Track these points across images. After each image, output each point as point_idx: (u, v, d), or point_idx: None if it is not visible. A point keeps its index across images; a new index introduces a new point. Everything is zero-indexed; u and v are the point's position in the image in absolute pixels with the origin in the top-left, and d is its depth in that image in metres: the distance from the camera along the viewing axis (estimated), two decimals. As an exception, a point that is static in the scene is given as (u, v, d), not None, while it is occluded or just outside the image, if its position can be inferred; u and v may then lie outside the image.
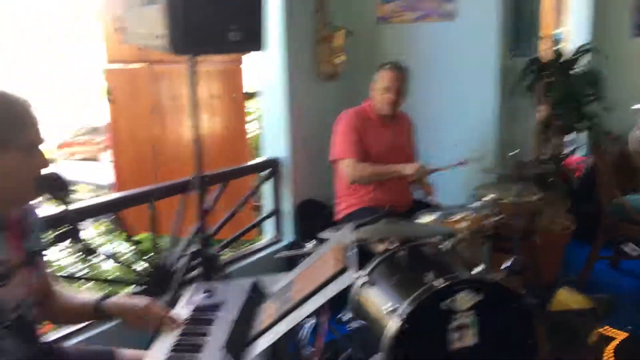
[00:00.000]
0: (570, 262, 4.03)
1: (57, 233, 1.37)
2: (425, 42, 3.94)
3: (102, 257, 5.28)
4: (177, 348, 1.56)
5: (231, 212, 3.43)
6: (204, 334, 1.62)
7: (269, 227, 3.85)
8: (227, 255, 3.78)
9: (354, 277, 1.38)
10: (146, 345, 2.24)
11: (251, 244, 4.09)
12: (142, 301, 1.73)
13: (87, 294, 1.82)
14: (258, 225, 3.89)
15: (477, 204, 3.11)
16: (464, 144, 3.86)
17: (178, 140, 3.99)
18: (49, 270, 1.80)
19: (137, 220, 3.30)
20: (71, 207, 1.46)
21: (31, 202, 1.57)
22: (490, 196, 3.23)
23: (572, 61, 3.84)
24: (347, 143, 3.25)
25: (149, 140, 4.07)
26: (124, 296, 1.77)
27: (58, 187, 1.46)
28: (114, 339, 2.05)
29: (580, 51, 3.92)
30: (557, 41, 4.08)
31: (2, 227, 1.50)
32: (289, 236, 3.75)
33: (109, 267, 5.45)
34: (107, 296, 1.74)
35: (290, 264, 3.37)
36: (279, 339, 1.36)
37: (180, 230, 3.09)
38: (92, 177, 15.21)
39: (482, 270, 2.29)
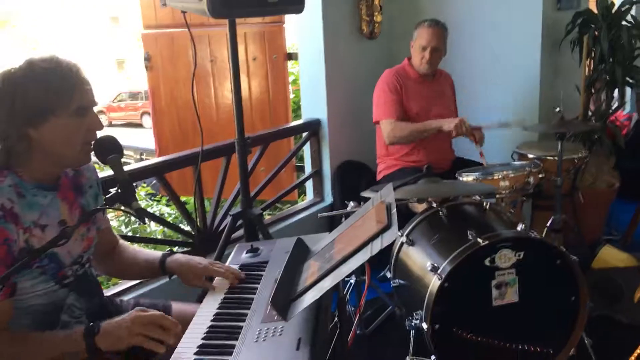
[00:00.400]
0: (615, 220, 3.97)
1: (111, 195, 1.42)
2: (465, -3, 3.84)
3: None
4: (226, 303, 1.63)
5: (272, 174, 3.49)
6: (251, 291, 1.68)
7: (309, 188, 3.89)
8: (269, 216, 3.86)
9: (394, 237, 1.39)
10: (196, 300, 2.35)
11: (292, 206, 4.16)
12: (203, 260, 1.80)
13: (151, 251, 1.89)
14: (299, 186, 3.93)
15: (518, 162, 3.08)
16: (505, 101, 3.80)
17: (218, 104, 4.03)
18: (110, 225, 1.87)
19: (180, 183, 3.39)
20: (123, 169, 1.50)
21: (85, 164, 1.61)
22: (532, 154, 3.20)
23: (620, 13, 3.68)
24: (386, 104, 3.24)
25: (189, 104, 4.12)
26: (185, 255, 1.83)
27: (114, 150, 1.50)
28: (167, 293, 2.15)
29: (628, 2, 3.75)
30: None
31: (55, 187, 1.55)
32: (329, 197, 3.79)
33: (153, 228, 5.63)
34: (170, 253, 1.82)
35: (331, 223, 3.43)
36: (323, 295, 1.40)
37: (223, 193, 3.16)
38: (135, 142, 15.56)
39: (523, 228, 2.28)
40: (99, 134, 1.54)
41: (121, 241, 1.89)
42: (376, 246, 1.38)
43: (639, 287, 2.75)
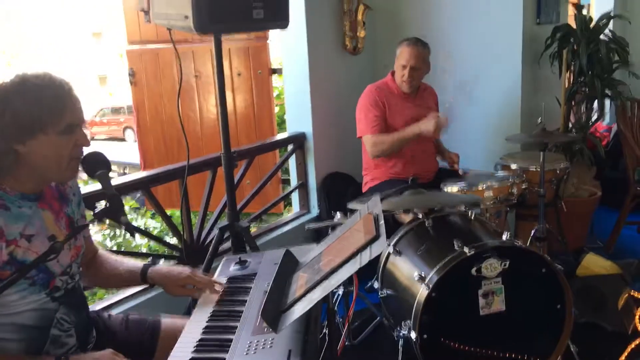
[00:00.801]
0: (597, 228, 4.03)
1: (100, 210, 1.42)
2: (448, 10, 3.90)
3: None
4: (216, 316, 1.63)
5: (258, 186, 3.50)
6: (240, 303, 1.68)
7: (295, 200, 3.91)
8: (255, 228, 3.86)
9: (382, 248, 1.40)
10: (183, 313, 2.35)
11: (278, 218, 4.16)
12: (184, 270, 1.80)
13: (133, 260, 1.88)
14: (285, 198, 3.95)
15: (502, 173, 3.13)
16: (488, 112, 3.85)
17: (203, 119, 4.04)
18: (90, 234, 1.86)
19: (165, 197, 3.39)
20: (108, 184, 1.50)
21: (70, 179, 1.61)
22: (515, 165, 3.25)
23: (598, 28, 3.77)
24: (367, 120, 3.26)
25: (173, 119, 4.14)
26: (167, 265, 1.83)
27: (102, 165, 1.50)
28: (156, 306, 2.14)
29: (605, 18, 3.85)
30: (581, 8, 4.00)
31: (38, 197, 1.54)
32: (315, 208, 3.80)
33: (139, 242, 5.59)
34: (152, 263, 1.82)
35: (318, 235, 3.44)
36: (313, 307, 1.41)
37: (209, 206, 3.16)
38: (118, 156, 15.49)
39: (508, 238, 2.31)
40: (85, 150, 1.55)
41: (101, 250, 1.89)
42: (365, 257, 1.39)
43: (623, 294, 2.80)
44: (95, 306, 2.50)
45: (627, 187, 3.84)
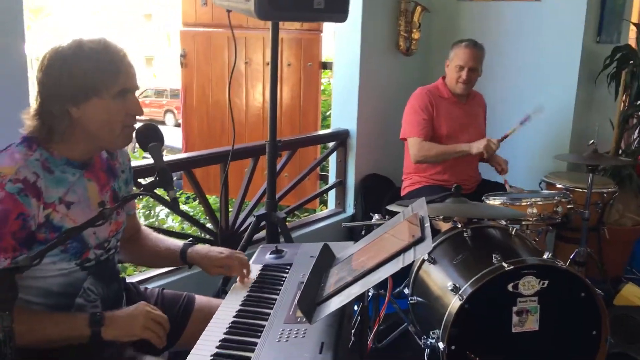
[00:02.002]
0: (637, 259, 3.91)
1: (150, 182, 1.42)
2: (506, 21, 3.84)
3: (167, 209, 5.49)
4: (249, 301, 1.62)
5: (297, 179, 3.49)
6: (274, 291, 1.67)
7: (331, 198, 3.89)
8: (288, 222, 3.85)
9: (427, 250, 1.38)
10: (213, 295, 2.36)
11: (310, 214, 4.15)
12: (224, 250, 1.80)
13: (172, 239, 1.89)
14: (322, 195, 3.93)
15: (547, 191, 3.05)
16: (537, 128, 3.77)
17: (249, 106, 4.05)
18: (135, 211, 1.88)
19: (202, 182, 3.40)
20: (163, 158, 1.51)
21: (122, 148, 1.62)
22: (560, 184, 3.17)
23: (660, 51, 3.66)
24: (415, 122, 3.22)
25: (219, 104, 4.16)
26: (206, 245, 1.85)
27: (155, 138, 1.51)
28: (190, 286, 2.15)
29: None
30: (641, 29, 3.88)
31: (84, 166, 1.55)
32: (350, 208, 3.78)
33: (170, 224, 5.65)
34: (192, 243, 1.82)
35: (351, 234, 3.42)
36: (348, 303, 1.39)
37: (248, 193, 3.17)
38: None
39: (549, 257, 2.25)
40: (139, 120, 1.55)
41: (143, 227, 1.90)
42: (408, 258, 1.37)
43: (661, 329, 2.71)
44: (132, 278, 2.53)
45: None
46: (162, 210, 5.84)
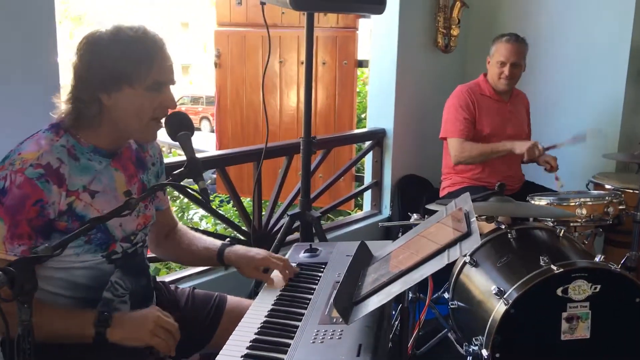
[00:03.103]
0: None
1: (179, 172, 1.35)
2: (550, 15, 3.70)
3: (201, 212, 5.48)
4: (282, 300, 1.54)
5: (332, 179, 3.41)
6: (308, 291, 1.59)
7: (366, 200, 3.80)
8: (322, 224, 3.78)
9: (475, 245, 1.27)
10: (247, 295, 2.30)
11: (345, 217, 4.06)
12: (261, 252, 1.74)
13: (210, 239, 1.84)
14: (358, 195, 3.84)
15: (596, 191, 2.90)
16: (583, 128, 3.60)
17: (283, 107, 4.00)
18: (170, 206, 1.83)
19: (235, 182, 3.36)
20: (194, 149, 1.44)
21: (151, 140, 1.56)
22: (609, 184, 3.01)
23: None
24: (456, 122, 3.11)
25: (253, 105, 4.12)
26: (244, 246, 1.79)
27: (186, 127, 1.44)
28: (221, 287, 2.10)
29: None
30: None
31: (112, 155, 1.50)
32: (387, 209, 3.68)
33: (204, 226, 5.64)
34: (230, 244, 1.77)
35: (387, 236, 3.32)
36: (387, 303, 1.30)
37: (281, 194, 3.10)
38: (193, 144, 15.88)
39: (602, 260, 2.11)
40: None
41: (180, 224, 1.85)
42: (454, 254, 1.27)
43: None
44: (163, 278, 2.49)
45: None
46: (195, 213, 5.84)
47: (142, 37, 1.40)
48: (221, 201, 6.27)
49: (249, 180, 3.61)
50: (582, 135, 3.01)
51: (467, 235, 1.30)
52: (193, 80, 26.77)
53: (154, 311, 1.42)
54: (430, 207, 2.41)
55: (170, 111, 1.48)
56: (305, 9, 2.21)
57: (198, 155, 1.47)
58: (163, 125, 1.48)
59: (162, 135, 1.52)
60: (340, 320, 1.33)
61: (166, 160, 1.95)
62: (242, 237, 2.98)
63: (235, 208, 4.20)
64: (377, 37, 3.55)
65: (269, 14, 2.40)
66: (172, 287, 1.82)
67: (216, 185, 4.58)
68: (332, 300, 1.42)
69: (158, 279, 1.85)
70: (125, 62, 1.37)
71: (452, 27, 3.69)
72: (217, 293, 1.82)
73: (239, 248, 1.76)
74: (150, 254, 1.84)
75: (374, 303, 1.28)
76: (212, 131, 17.07)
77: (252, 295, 2.48)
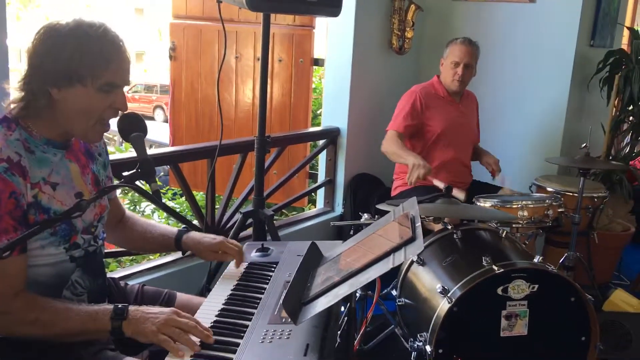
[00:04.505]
0: (625, 265, 3.89)
1: (131, 173, 1.36)
2: (500, 22, 3.82)
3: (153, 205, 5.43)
4: (233, 300, 1.57)
5: (286, 176, 3.43)
6: (259, 290, 1.62)
7: (319, 197, 3.84)
8: (275, 220, 3.80)
9: (419, 251, 1.33)
10: (196, 293, 2.31)
11: (298, 212, 4.10)
12: (217, 237, 1.80)
13: (165, 225, 1.87)
14: (310, 193, 3.88)
15: (538, 194, 3.03)
16: (528, 130, 3.76)
17: (238, 102, 3.99)
18: (116, 195, 1.84)
19: (189, 177, 3.35)
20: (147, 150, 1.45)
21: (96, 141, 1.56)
22: (551, 187, 3.15)
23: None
24: (398, 116, 3.20)
25: (208, 99, 4.10)
26: (200, 232, 1.84)
27: (138, 128, 1.45)
28: (171, 283, 2.11)
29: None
30: (637, 34, 3.87)
31: (65, 146, 1.49)
32: (339, 207, 3.73)
33: (158, 219, 5.58)
34: (186, 230, 1.81)
35: (339, 234, 3.37)
36: (335, 303, 1.34)
37: (235, 190, 3.11)
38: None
39: (540, 261, 2.22)
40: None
41: (129, 212, 1.86)
42: (399, 258, 1.32)
43: (649, 336, 2.69)
44: (112, 274, 2.47)
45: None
46: (147, 206, 5.77)
47: (101, 36, 1.38)
48: (174, 194, 6.21)
49: (203, 174, 3.61)
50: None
51: (411, 240, 1.35)
52: (147, 68, 26.22)
53: (168, 310, 1.39)
54: (381, 207, 2.48)
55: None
56: (261, 10, 2.22)
57: (152, 149, 1.48)
58: (109, 127, 1.47)
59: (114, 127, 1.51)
60: (289, 320, 1.37)
61: (120, 156, 1.95)
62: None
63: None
64: (333, 37, 3.59)
65: (226, 9, 2.40)
66: (122, 283, 1.83)
67: (169, 178, 4.53)
68: (281, 300, 1.46)
69: (108, 275, 1.85)
70: (81, 60, 1.35)
71: (406, 29, 3.76)
72: (167, 290, 1.83)
73: (196, 234, 1.81)
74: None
75: (322, 304, 1.32)
76: (166, 121, 16.80)
77: (204, 291, 2.50)
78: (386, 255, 1.36)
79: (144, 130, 1.47)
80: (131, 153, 2.64)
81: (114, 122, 1.49)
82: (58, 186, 1.43)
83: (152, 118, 21.69)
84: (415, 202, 1.64)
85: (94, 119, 1.43)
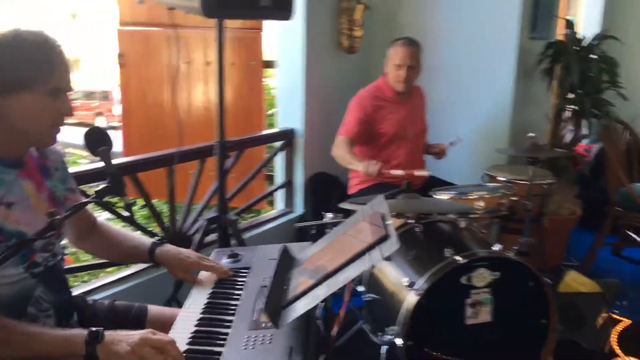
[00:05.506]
0: (573, 248, 4.07)
1: (102, 189, 1.35)
2: (445, 17, 3.92)
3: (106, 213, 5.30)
4: (210, 308, 1.57)
5: (246, 180, 3.43)
6: (234, 297, 1.63)
7: (279, 198, 3.85)
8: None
9: (394, 248, 1.37)
10: (163, 304, 2.29)
11: (258, 215, 4.09)
12: (192, 254, 1.77)
13: (139, 236, 1.85)
14: (269, 195, 3.88)
15: (491, 184, 3.13)
16: (476, 122, 3.87)
17: (190, 107, 3.94)
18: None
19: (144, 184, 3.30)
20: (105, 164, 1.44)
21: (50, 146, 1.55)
22: (502, 177, 3.26)
23: (591, 47, 3.82)
24: (349, 122, 3.25)
25: (160, 106, 4.03)
26: (175, 247, 1.81)
27: (104, 142, 1.44)
28: (136, 296, 2.08)
29: (599, 37, 3.90)
30: (571, 26, 4.04)
31: (18, 165, 1.47)
32: (300, 207, 3.75)
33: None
34: (160, 243, 1.78)
35: (301, 235, 3.39)
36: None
37: (195, 196, 3.09)
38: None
39: (500, 249, 2.30)
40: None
41: (101, 220, 1.83)
42: (375, 256, 1.36)
43: (601, 313, 2.82)
44: (77, 290, 2.42)
45: (604, 207, 3.88)
46: (100, 215, 5.62)
47: (42, 42, 1.39)
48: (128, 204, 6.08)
49: (157, 183, 3.55)
50: (454, 141, 3.27)
51: (385, 238, 1.39)
52: (85, 75, 25.48)
53: (143, 331, 1.35)
54: (345, 206, 2.51)
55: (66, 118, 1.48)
56: (216, 16, 2.22)
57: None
58: (59, 133, 1.47)
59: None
60: (269, 324, 1.39)
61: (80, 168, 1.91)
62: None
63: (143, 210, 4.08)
64: (284, 39, 3.60)
65: (172, 14, 2.39)
66: (90, 300, 1.80)
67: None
68: (262, 305, 1.47)
69: (76, 292, 1.82)
70: (24, 67, 1.36)
71: (355, 28, 3.81)
72: (138, 303, 1.81)
73: (170, 248, 1.78)
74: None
75: (301, 307, 1.35)
76: (109, 128, 16.37)
77: (171, 301, 2.48)
78: (361, 254, 1.40)
79: (109, 143, 1.46)
80: (88, 166, 2.57)
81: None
82: (13, 206, 1.41)
83: (92, 125, 21.05)
84: (383, 200, 1.68)
85: (46, 125, 1.43)
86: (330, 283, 1.36)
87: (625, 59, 4.14)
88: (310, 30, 3.54)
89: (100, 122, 20.67)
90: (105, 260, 2.42)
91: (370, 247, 1.39)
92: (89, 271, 3.19)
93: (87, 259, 4.05)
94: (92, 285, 2.59)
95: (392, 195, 2.60)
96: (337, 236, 1.67)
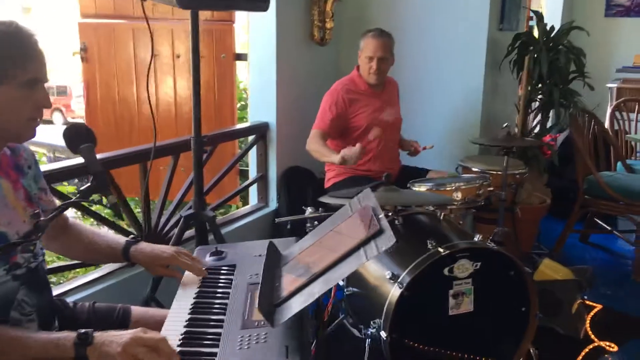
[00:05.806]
0: (543, 236, 4.14)
1: (87, 187, 1.29)
2: (415, 9, 3.91)
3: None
4: (199, 308, 1.53)
5: (219, 176, 3.37)
6: (224, 296, 1.59)
7: (252, 193, 3.80)
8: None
9: (391, 242, 1.35)
10: (143, 301, 2.24)
11: (228, 210, 4.04)
12: (168, 249, 1.72)
13: (113, 235, 1.77)
14: (243, 190, 3.83)
15: (467, 175, 3.15)
16: (448, 113, 3.89)
17: (159, 101, 3.86)
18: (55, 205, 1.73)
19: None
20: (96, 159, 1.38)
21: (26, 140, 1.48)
22: (476, 167, 3.28)
23: (559, 37, 3.89)
24: (323, 116, 3.22)
25: (127, 100, 3.94)
26: (149, 244, 1.75)
27: (86, 139, 1.38)
28: (114, 296, 2.02)
29: (565, 28, 3.97)
30: (542, 17, 4.10)
31: None
32: (274, 202, 3.71)
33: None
34: (134, 241, 1.73)
35: (277, 230, 3.36)
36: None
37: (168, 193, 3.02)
38: (47, 139, 14.66)
39: (480, 239, 2.31)
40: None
41: (73, 220, 1.77)
42: (371, 252, 1.34)
43: (577, 300, 2.88)
44: (55, 290, 2.33)
45: (570, 195, 3.96)
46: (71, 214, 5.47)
47: (15, 32, 1.33)
48: (99, 201, 5.92)
49: (128, 179, 3.46)
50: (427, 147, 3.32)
51: (380, 232, 1.37)
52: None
53: (133, 330, 1.31)
54: (325, 200, 2.49)
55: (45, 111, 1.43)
56: (191, 7, 2.16)
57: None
58: (38, 126, 1.42)
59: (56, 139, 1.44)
60: (262, 323, 1.36)
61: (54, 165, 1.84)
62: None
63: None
64: (255, 31, 3.54)
65: (138, 5, 2.33)
66: (71, 303, 1.74)
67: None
68: (255, 304, 1.44)
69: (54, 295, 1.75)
70: (1, 59, 1.30)
71: (326, 20, 3.78)
72: (120, 305, 1.76)
73: (145, 246, 1.73)
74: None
75: (297, 304, 1.32)
76: (66, 124, 15.87)
77: (149, 300, 2.42)
78: (356, 249, 1.38)
79: (93, 140, 1.40)
80: (63, 163, 2.48)
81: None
82: None
83: (50, 122, 20.50)
84: (370, 193, 1.66)
85: (24, 118, 1.38)
86: (326, 279, 1.34)
87: (587, 50, 4.21)
88: (282, 21, 3.49)
89: (57, 118, 20.12)
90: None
91: (365, 242, 1.37)
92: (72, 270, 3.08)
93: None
94: (67, 287, 2.50)
95: (372, 188, 2.58)
96: (326, 232, 1.65)
